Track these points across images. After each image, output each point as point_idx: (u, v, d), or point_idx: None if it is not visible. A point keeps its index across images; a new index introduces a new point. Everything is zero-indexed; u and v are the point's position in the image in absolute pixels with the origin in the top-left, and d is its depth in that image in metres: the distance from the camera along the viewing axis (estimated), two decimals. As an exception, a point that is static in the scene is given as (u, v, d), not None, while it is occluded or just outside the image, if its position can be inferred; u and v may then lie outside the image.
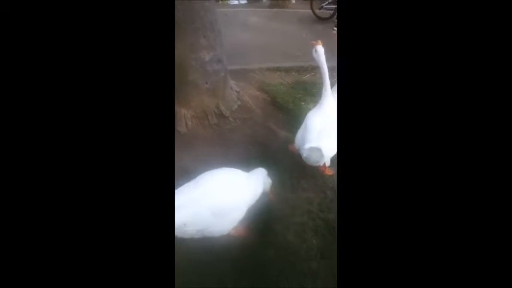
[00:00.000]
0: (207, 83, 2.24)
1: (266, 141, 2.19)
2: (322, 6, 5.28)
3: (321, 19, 5.33)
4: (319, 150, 1.60)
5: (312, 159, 1.66)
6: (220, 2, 6.44)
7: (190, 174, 1.83)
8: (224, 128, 2.29)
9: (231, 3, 6.63)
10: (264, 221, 1.58)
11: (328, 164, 1.76)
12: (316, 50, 1.79)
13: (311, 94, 2.78)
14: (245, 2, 6.92)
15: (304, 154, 1.65)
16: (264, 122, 2.40)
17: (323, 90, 1.82)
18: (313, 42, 1.81)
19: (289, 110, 2.53)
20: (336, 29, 4.85)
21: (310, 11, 5.49)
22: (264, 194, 1.54)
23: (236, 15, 5.55)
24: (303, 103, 2.64)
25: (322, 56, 1.77)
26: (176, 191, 1.28)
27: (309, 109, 2.14)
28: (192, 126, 2.22)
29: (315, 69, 3.41)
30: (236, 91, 2.60)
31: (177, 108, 2.21)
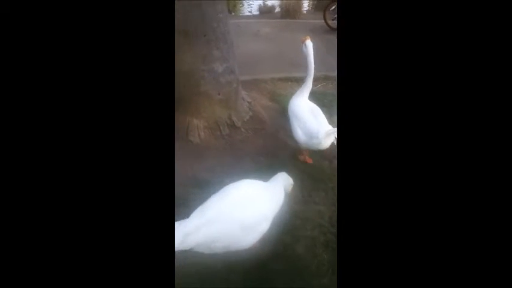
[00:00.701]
0: (219, 93, 2.27)
1: (277, 152, 2.19)
2: (335, 18, 5.29)
3: (333, 29, 5.34)
4: (334, 131, 1.73)
5: (329, 142, 1.81)
6: (233, 13, 6.55)
7: (201, 184, 1.85)
8: (236, 138, 2.30)
9: (243, 15, 6.74)
10: (274, 232, 1.57)
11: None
12: (305, 45, 1.92)
13: (322, 105, 2.76)
14: (257, 13, 7.03)
15: (323, 141, 1.77)
16: (275, 132, 2.40)
17: (306, 80, 2.00)
18: (303, 38, 1.94)
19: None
20: None
21: (322, 21, 5.52)
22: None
23: (248, 25, 5.63)
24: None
25: (311, 50, 1.92)
26: (201, 207, 1.26)
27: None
28: (205, 136, 2.24)
29: (327, 79, 3.41)
30: (248, 102, 2.62)
31: (189, 118, 2.24)
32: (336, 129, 1.73)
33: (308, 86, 2.00)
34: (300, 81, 3.36)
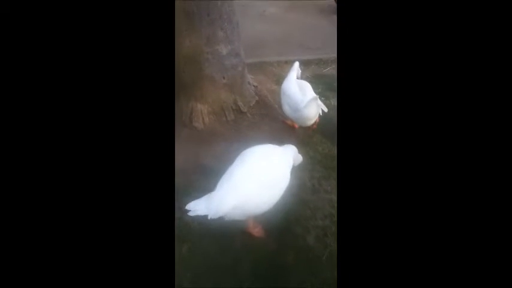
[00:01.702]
0: (224, 77, 2.16)
1: (284, 137, 2.10)
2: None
3: (342, 9, 5.13)
4: (316, 98, 1.79)
5: (313, 111, 1.85)
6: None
7: (206, 171, 1.79)
8: (242, 124, 2.21)
9: (248, -6, 6.46)
10: (283, 222, 1.51)
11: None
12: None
13: (331, 89, 2.65)
14: (262, -8, 6.73)
15: (305, 111, 1.83)
16: (283, 119, 2.30)
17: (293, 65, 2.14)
18: None
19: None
20: None
21: (331, 1, 5.28)
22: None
23: (253, 5, 5.41)
24: (323, 98, 2.52)
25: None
26: (224, 176, 1.30)
27: (330, 104, 2.05)
28: (209, 122, 2.16)
29: (335, 62, 3.26)
30: (254, 86, 2.51)
31: (193, 103, 2.16)
32: (316, 96, 1.80)
33: (295, 69, 2.13)
34: (308, 64, 3.23)
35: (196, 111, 2.14)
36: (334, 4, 5.21)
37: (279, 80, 2.84)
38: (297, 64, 2.14)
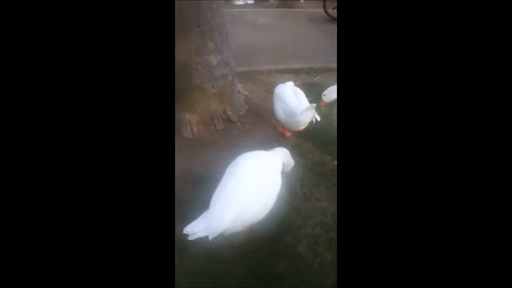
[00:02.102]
0: (214, 87, 2.17)
1: (275, 146, 2.10)
2: (335, 6, 5.15)
3: (333, 19, 5.21)
4: (312, 107, 1.87)
5: (307, 118, 1.93)
6: (224, 1, 6.37)
7: (195, 181, 1.78)
8: (231, 133, 2.22)
9: (237, 3, 6.55)
10: (274, 230, 1.51)
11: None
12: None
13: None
14: (252, 1, 6.84)
15: (301, 117, 1.90)
16: (273, 127, 2.31)
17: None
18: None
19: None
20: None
21: (320, 10, 5.38)
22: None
23: (243, 15, 5.49)
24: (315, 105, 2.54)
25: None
26: (217, 190, 1.29)
27: (321, 112, 2.07)
28: (198, 131, 2.16)
29: (327, 71, 3.31)
30: (244, 95, 2.52)
31: (182, 113, 2.15)
32: (314, 104, 1.86)
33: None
34: (298, 73, 3.27)
35: (184, 121, 2.14)
36: (324, 14, 5.31)
37: (270, 88, 2.86)
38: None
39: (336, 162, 1.91)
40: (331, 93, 1.92)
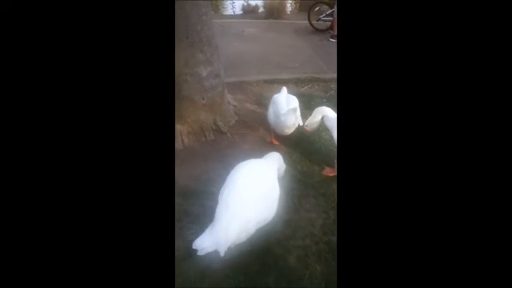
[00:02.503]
0: (203, 98, 2.19)
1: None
2: (319, 18, 5.30)
3: (317, 30, 5.35)
4: (294, 109, 1.96)
5: (290, 120, 2.00)
6: (213, 12, 6.42)
7: (186, 193, 1.77)
8: (222, 144, 2.22)
9: (226, 14, 6.63)
10: (264, 243, 1.51)
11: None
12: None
13: (309, 107, 2.73)
14: (240, 13, 6.94)
15: (282, 118, 2.00)
16: (262, 136, 2.34)
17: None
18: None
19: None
20: (332, 40, 4.87)
21: (306, 22, 5.51)
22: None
23: (232, 26, 5.55)
24: (301, 115, 2.59)
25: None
26: (221, 204, 1.30)
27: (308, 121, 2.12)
28: (189, 142, 2.15)
29: (313, 81, 3.39)
30: (233, 105, 2.55)
31: (172, 124, 2.15)
32: (295, 107, 1.98)
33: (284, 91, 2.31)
34: (285, 83, 3.32)
35: (175, 132, 2.13)
36: (309, 26, 5.45)
37: (258, 99, 2.90)
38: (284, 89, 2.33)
39: (324, 172, 1.95)
40: (312, 124, 2.04)
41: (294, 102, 2.05)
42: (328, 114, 1.93)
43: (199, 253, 1.18)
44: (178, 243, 1.50)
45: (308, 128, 2.07)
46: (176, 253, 1.45)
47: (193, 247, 1.19)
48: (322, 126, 2.08)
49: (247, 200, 1.29)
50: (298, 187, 1.83)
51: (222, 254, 1.16)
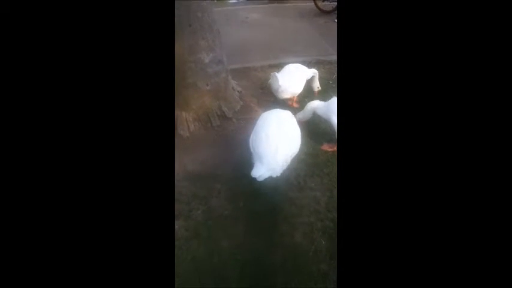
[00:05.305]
0: (207, 84, 2.22)
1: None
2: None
3: (323, 12, 5.23)
4: (274, 75, 2.29)
5: (271, 85, 2.38)
6: (216, 0, 6.32)
7: (193, 178, 1.82)
8: (228, 129, 2.26)
9: (231, 2, 6.56)
10: (270, 221, 1.57)
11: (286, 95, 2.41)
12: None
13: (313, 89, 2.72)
14: (244, -1, 6.84)
15: (276, 80, 2.33)
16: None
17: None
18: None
19: (293, 108, 2.49)
20: (337, 21, 4.76)
21: (311, 3, 5.39)
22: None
23: (236, 12, 5.50)
24: (306, 99, 2.59)
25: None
26: (257, 141, 1.60)
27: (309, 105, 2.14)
28: (194, 129, 2.20)
29: (319, 63, 3.35)
30: (238, 91, 2.56)
31: (178, 111, 2.20)
32: (275, 75, 2.30)
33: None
34: (290, 67, 3.30)
35: (181, 119, 2.18)
36: (315, 7, 5.33)
37: (264, 84, 2.91)
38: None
39: (322, 147, 2.04)
40: (304, 117, 2.14)
41: (302, 70, 2.44)
42: (318, 106, 2.04)
43: (259, 179, 1.51)
44: (188, 223, 1.57)
45: (300, 120, 2.14)
46: (186, 233, 1.52)
47: (252, 175, 1.51)
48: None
49: (285, 136, 1.60)
50: (302, 167, 1.85)
51: (274, 176, 1.54)
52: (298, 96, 2.53)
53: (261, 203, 1.65)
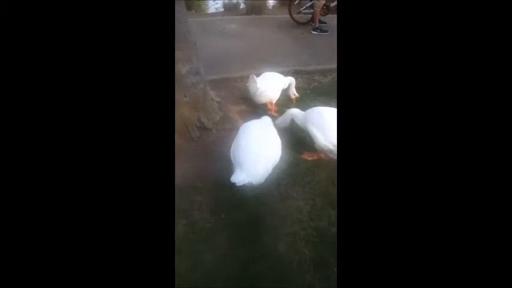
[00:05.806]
0: (185, 96, 2.18)
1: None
2: (300, 11, 5.31)
3: (299, 23, 5.36)
4: (252, 78, 2.41)
5: (249, 88, 2.50)
6: (194, 12, 6.34)
7: (175, 190, 1.77)
8: (208, 140, 2.23)
9: (209, 12, 6.60)
10: (253, 232, 1.54)
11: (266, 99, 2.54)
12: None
13: (290, 99, 2.75)
14: (222, 9, 6.91)
15: (254, 98, 2.50)
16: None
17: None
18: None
19: (273, 118, 2.50)
20: (313, 32, 4.90)
21: (287, 16, 5.52)
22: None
23: (214, 23, 5.53)
24: (285, 109, 2.61)
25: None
26: (237, 150, 1.62)
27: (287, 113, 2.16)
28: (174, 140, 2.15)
29: (296, 73, 3.40)
30: (217, 101, 2.55)
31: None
32: (253, 76, 2.42)
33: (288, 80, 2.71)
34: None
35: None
36: (291, 19, 5.46)
37: (243, 94, 2.91)
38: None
39: (305, 156, 2.05)
40: (282, 123, 2.17)
41: (279, 79, 2.55)
42: (297, 115, 2.07)
43: (237, 184, 1.48)
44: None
45: (279, 125, 2.16)
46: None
47: (232, 181, 1.48)
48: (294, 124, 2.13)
49: (262, 144, 1.62)
50: (284, 176, 1.85)
51: (254, 183, 1.53)
52: (276, 104, 2.58)
53: (243, 214, 1.63)
